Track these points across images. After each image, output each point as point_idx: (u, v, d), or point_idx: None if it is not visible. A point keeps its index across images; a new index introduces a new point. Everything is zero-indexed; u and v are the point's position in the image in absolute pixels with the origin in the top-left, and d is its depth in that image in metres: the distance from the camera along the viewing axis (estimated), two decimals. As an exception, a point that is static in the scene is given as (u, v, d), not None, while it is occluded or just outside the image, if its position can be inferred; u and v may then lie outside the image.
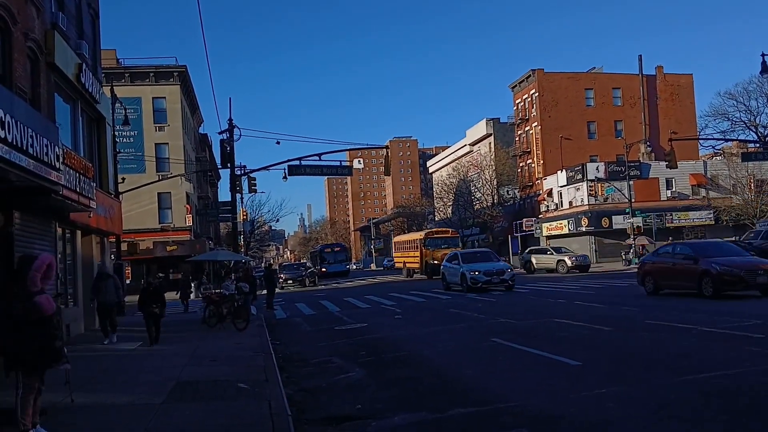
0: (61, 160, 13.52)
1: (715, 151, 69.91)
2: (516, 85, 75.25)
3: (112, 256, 27.66)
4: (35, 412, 6.94)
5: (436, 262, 44.29)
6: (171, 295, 33.75)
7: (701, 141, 65.03)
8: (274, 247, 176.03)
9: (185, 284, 30.58)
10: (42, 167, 12.14)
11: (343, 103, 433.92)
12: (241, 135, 31.55)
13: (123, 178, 30.47)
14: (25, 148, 11.27)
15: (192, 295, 39.70)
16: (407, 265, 54.15)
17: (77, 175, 15.47)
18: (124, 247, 33.90)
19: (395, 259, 62.28)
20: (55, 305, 7.09)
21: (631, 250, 50.98)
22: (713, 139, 62.90)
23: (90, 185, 16.80)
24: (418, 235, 54.23)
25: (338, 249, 75.72)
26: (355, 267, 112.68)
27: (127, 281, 33.33)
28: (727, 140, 61.63)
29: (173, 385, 10.33)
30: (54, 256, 16.92)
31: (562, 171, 62.74)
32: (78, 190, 15.49)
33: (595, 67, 75.70)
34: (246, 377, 10.77)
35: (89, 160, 19.54)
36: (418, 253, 50.82)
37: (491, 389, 9.19)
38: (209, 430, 7.50)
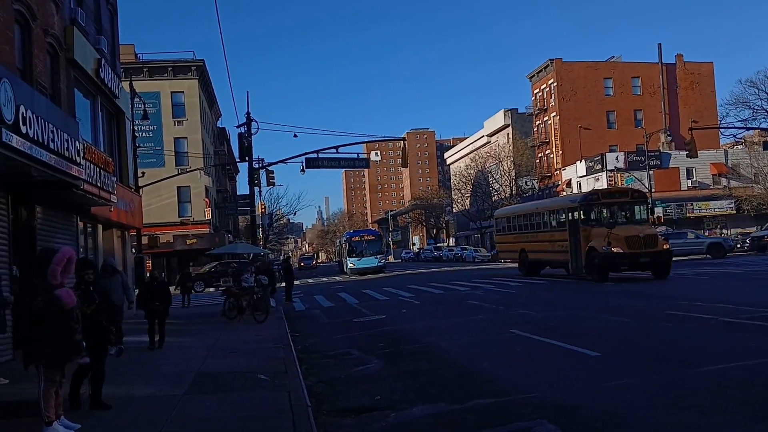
0: (81, 154, 13.68)
1: (736, 139, 69.02)
2: (534, 75, 74.80)
3: (133, 249, 27.92)
4: (58, 405, 7.04)
5: (616, 249, 25.03)
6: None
7: (722, 130, 64.20)
8: (293, 239, 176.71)
9: (186, 277, 29.30)
10: (63, 162, 12.30)
11: (360, 95, 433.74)
12: (258, 128, 31.66)
13: (143, 173, 30.68)
14: (46, 143, 11.43)
15: (212, 289, 40.03)
16: (531, 255, 32.09)
17: (98, 169, 15.64)
18: (144, 240, 34.20)
19: (499, 246, 40.31)
20: (76, 299, 7.17)
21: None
22: (734, 127, 62.10)
23: (110, 179, 16.98)
24: (564, 204, 30.78)
25: (371, 237, 56.85)
26: None
27: (147, 274, 33.56)
28: (748, 129, 60.83)
29: (194, 376, 10.44)
30: (75, 250, 17.14)
31: (581, 161, 62.32)
32: (99, 184, 15.67)
33: (614, 56, 75.03)
34: (266, 369, 10.85)
35: (109, 154, 19.73)
36: (564, 236, 28.29)
37: (509, 380, 9.19)
38: (230, 420, 7.58)
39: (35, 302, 6.86)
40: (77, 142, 13.39)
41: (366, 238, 56.08)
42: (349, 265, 53.03)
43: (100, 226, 20.74)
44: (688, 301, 16.33)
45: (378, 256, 53.65)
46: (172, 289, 20.95)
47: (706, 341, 11.14)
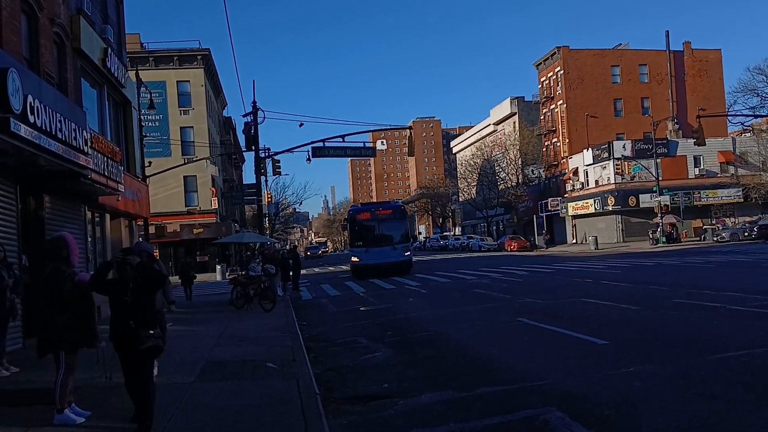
0: (89, 144, 13.72)
1: (744, 127, 68.43)
2: (541, 63, 74.40)
3: (140, 238, 28.02)
4: (70, 392, 7.10)
5: None
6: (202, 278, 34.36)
7: (730, 117, 63.58)
8: (299, 229, 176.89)
9: (188, 267, 27.65)
10: (71, 151, 12.33)
11: (365, 83, 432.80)
12: (265, 117, 31.73)
13: (149, 162, 30.73)
14: (53, 132, 11.44)
15: (219, 277, 40.14)
16: None
17: (105, 159, 15.68)
18: (151, 230, 34.31)
19: None
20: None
21: (659, 229, 50.44)
22: (742, 115, 61.68)
23: (118, 169, 17.02)
24: None
25: (387, 213, 34.92)
26: None
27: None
28: (756, 116, 60.25)
29: (203, 364, 10.49)
30: (84, 239, 17.23)
31: (588, 149, 62.08)
32: (106, 173, 15.71)
33: (621, 44, 74.46)
34: (274, 357, 10.89)
35: (116, 144, 19.75)
36: None
37: (518, 368, 9.20)
38: (239, 408, 7.62)
39: (65, 288, 6.90)
40: (85, 131, 13.41)
41: (381, 214, 34.37)
42: (353, 259, 33.59)
43: (107, 216, 20.80)
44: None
45: (400, 245, 33.22)
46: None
47: (714, 329, 11.12)
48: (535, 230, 64.18)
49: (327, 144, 32.82)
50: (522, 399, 7.41)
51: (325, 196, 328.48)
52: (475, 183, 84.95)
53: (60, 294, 6.91)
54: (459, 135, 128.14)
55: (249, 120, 31.53)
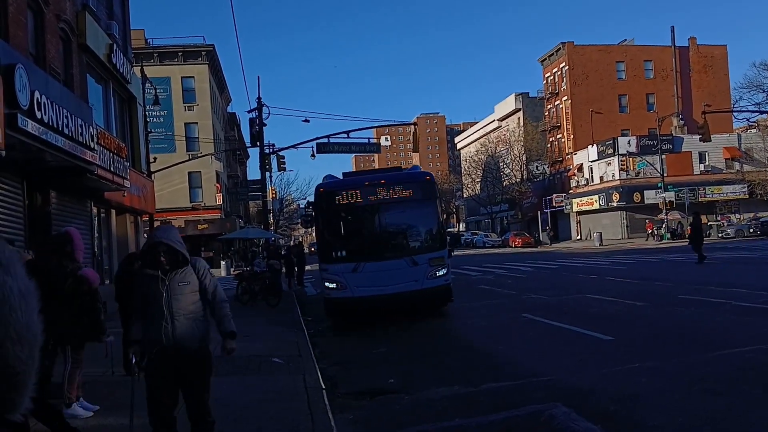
0: (95, 140, 13.76)
1: (750, 123, 68.24)
2: (545, 59, 74.23)
3: (146, 234, 28.08)
4: (79, 386, 7.15)
5: None
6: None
7: (735, 113, 63.41)
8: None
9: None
10: (77, 147, 12.38)
11: (370, 79, 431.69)
12: (269, 113, 31.64)
13: (154, 158, 30.71)
14: (60, 128, 11.49)
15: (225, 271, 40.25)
16: None
17: (111, 154, 15.73)
18: (156, 225, 34.37)
19: None
20: (99, 278, 7.27)
21: (663, 226, 50.36)
22: (748, 111, 61.22)
23: (123, 165, 17.07)
24: None
25: (401, 190, 14.72)
26: None
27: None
28: (762, 112, 59.96)
29: (209, 359, 10.52)
30: (90, 235, 17.30)
31: (592, 145, 61.97)
32: (112, 169, 15.76)
33: (626, 40, 74.25)
34: (280, 352, 10.92)
35: (122, 140, 19.79)
36: None
37: (523, 364, 9.22)
38: (246, 403, 7.65)
39: (66, 284, 6.94)
40: (91, 127, 13.46)
41: (386, 191, 14.72)
42: (329, 286, 14.68)
43: (113, 212, 20.87)
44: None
45: (426, 256, 14.70)
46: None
47: (720, 325, 11.13)
48: (540, 226, 64.16)
49: (331, 140, 32.76)
50: (528, 394, 7.43)
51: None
52: (479, 179, 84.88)
53: (61, 289, 6.96)
54: (463, 131, 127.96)
55: (254, 116, 31.53)
